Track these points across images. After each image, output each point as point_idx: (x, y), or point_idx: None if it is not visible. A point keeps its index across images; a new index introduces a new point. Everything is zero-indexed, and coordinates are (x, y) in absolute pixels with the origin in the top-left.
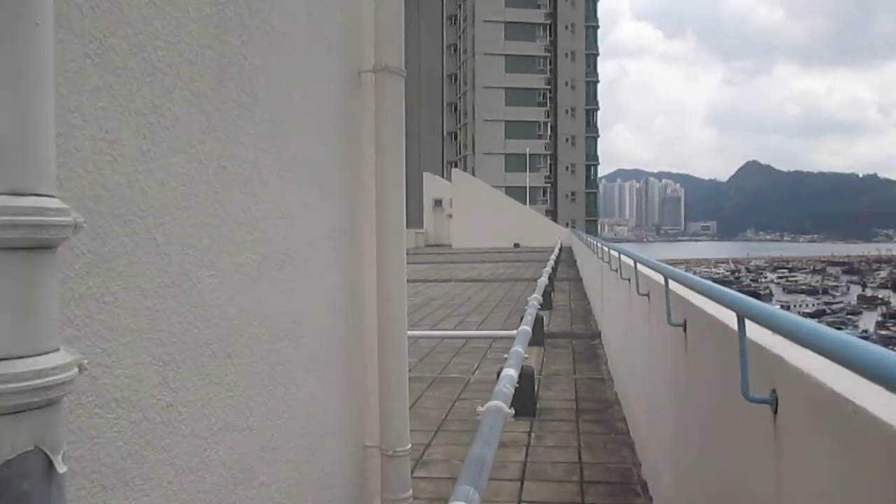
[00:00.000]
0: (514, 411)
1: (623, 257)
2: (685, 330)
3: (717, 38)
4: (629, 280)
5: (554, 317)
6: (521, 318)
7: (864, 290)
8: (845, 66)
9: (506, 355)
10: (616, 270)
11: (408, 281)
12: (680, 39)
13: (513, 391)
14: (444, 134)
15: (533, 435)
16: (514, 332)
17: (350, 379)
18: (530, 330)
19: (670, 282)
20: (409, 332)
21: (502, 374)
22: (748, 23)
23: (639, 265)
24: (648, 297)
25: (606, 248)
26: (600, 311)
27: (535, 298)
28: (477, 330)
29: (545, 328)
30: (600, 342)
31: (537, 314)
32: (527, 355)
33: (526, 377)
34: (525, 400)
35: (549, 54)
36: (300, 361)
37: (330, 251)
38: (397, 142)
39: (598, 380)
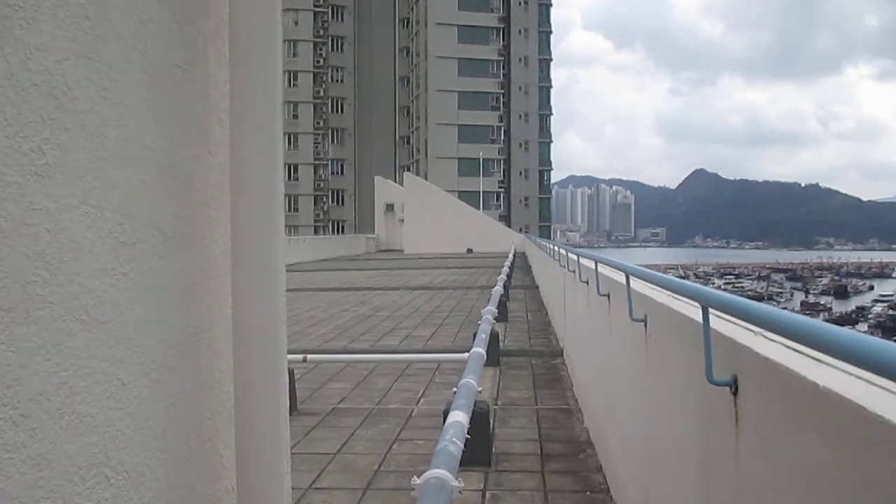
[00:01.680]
0: (461, 483)
1: (603, 269)
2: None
3: (664, 49)
4: (607, 297)
5: (510, 330)
6: (475, 336)
7: (807, 297)
8: (786, 79)
9: (454, 389)
10: (586, 282)
11: (354, 289)
12: (629, 50)
13: (461, 447)
14: (397, 138)
15: (488, 495)
16: (465, 354)
17: (172, 440)
18: (484, 353)
19: (677, 300)
20: (342, 356)
21: (449, 419)
22: (694, 36)
23: (631, 280)
24: (645, 324)
25: (575, 257)
26: (562, 325)
27: (490, 311)
28: (421, 353)
29: (501, 344)
30: (563, 362)
31: (492, 329)
32: (480, 389)
33: (479, 417)
34: (478, 444)
35: (502, 58)
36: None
37: (130, 256)
38: (270, 73)
39: (564, 411)
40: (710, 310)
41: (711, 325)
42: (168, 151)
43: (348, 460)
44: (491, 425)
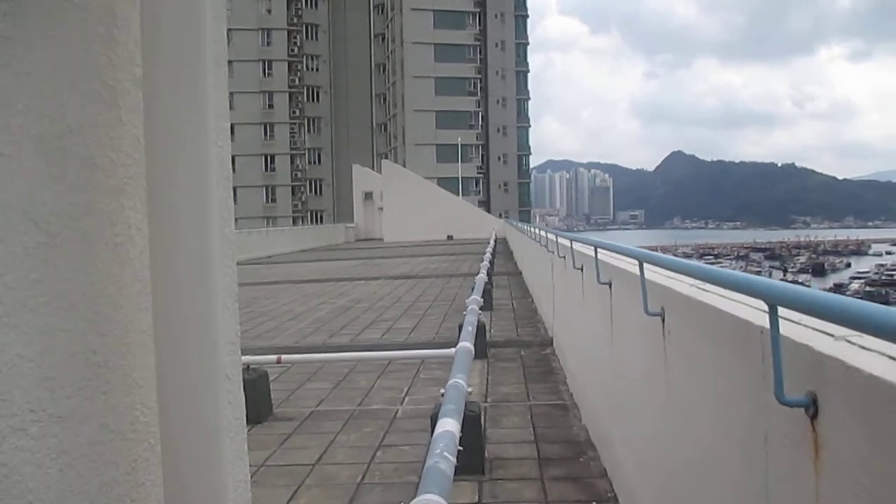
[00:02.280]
0: None
1: (604, 255)
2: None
3: (639, 33)
4: (609, 285)
5: (496, 319)
6: (460, 328)
7: (785, 276)
8: (760, 61)
9: (442, 391)
10: (580, 269)
11: (333, 280)
12: (605, 34)
13: (454, 462)
14: (374, 125)
15: None
16: (451, 350)
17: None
18: (472, 347)
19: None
20: (319, 356)
21: (438, 429)
22: (668, 19)
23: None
24: (663, 319)
25: (567, 242)
26: (550, 313)
27: (475, 301)
28: (403, 349)
29: (488, 335)
30: (553, 352)
31: (478, 320)
32: (470, 388)
33: (471, 421)
34: (470, 450)
35: (479, 43)
36: None
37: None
38: (193, 13)
39: (559, 407)
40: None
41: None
42: (52, 118)
43: (328, 472)
44: (482, 430)
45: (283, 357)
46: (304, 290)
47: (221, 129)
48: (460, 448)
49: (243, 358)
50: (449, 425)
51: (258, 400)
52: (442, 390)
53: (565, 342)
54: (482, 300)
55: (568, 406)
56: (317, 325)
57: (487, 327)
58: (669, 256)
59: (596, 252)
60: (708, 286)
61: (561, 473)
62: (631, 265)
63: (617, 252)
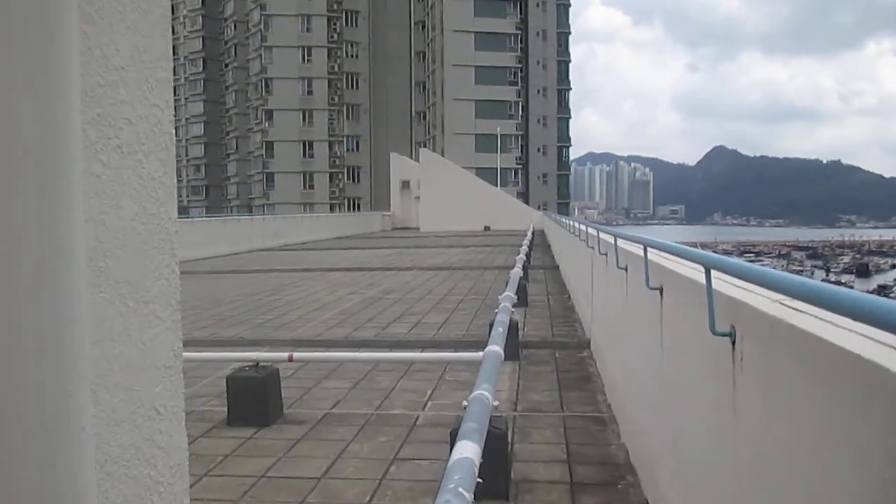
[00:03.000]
0: None
1: (655, 256)
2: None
3: (682, 25)
4: (659, 291)
5: (530, 317)
6: (491, 327)
7: (827, 276)
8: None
9: (464, 403)
10: (624, 269)
11: (365, 269)
12: (647, 25)
13: (470, 499)
14: (413, 113)
15: None
16: (479, 354)
17: None
18: (502, 351)
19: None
20: (334, 355)
21: (454, 454)
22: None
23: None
24: (733, 339)
25: (611, 239)
26: (588, 313)
27: (508, 297)
28: (426, 351)
29: (521, 333)
30: (590, 355)
31: (511, 319)
32: (496, 402)
33: (496, 440)
34: (495, 472)
35: (520, 32)
36: None
37: None
38: None
39: (596, 420)
40: None
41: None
42: None
43: (334, 489)
44: (510, 440)
45: (296, 355)
46: (335, 278)
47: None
48: (480, 479)
49: (253, 354)
50: (468, 450)
51: (267, 400)
52: (465, 402)
53: (604, 347)
54: (516, 297)
55: (605, 420)
56: (343, 317)
57: (521, 325)
58: (747, 263)
59: (646, 252)
60: (800, 304)
61: (596, 503)
62: (691, 270)
63: (673, 253)
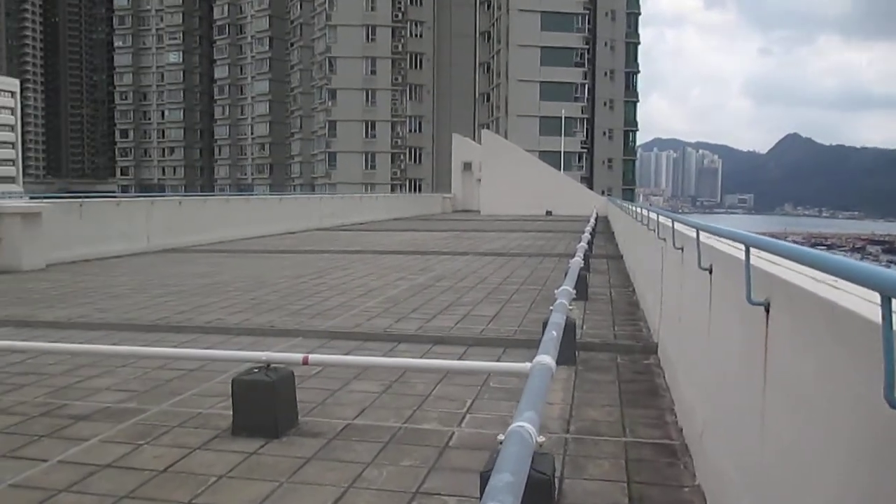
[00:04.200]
0: None
1: (758, 260)
2: None
3: (756, 7)
4: (765, 308)
5: (590, 312)
6: (544, 328)
7: None
8: (887, 38)
9: (501, 436)
10: (707, 270)
11: (419, 253)
12: (719, 9)
13: None
14: (476, 95)
15: None
16: (526, 365)
17: None
18: (553, 364)
19: None
20: (354, 360)
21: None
22: None
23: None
24: None
25: (692, 232)
26: (656, 312)
27: (565, 292)
28: (473, 347)
29: (578, 332)
30: (657, 363)
31: (567, 318)
32: (542, 438)
33: (538, 489)
34: None
35: (587, 12)
36: None
37: None
38: None
39: (665, 450)
40: None
41: None
42: None
43: None
44: (559, 473)
45: (312, 357)
46: (385, 262)
47: None
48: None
49: (264, 355)
50: None
51: (277, 408)
52: (501, 436)
53: (675, 357)
54: (574, 290)
55: (676, 450)
56: (387, 306)
57: (579, 323)
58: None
59: (748, 254)
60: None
61: None
62: (813, 282)
63: (791, 258)
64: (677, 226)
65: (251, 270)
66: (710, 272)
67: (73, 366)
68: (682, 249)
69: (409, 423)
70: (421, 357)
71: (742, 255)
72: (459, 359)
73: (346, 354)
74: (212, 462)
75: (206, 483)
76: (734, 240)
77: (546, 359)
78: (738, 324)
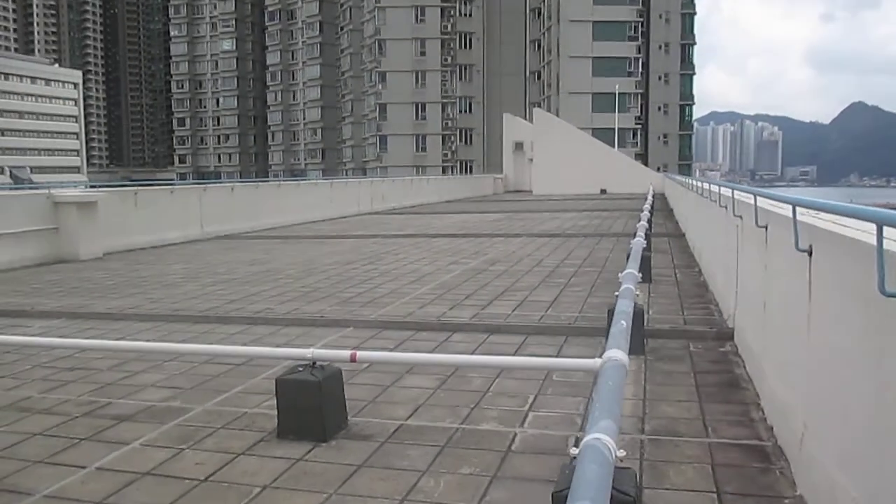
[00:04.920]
0: None
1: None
2: None
3: None
4: None
5: (655, 296)
6: (610, 316)
7: None
8: None
9: (573, 449)
10: (807, 252)
11: (472, 235)
12: None
13: None
14: (527, 73)
15: None
16: (595, 361)
17: None
18: (626, 360)
19: None
20: (406, 357)
21: None
22: None
23: None
24: None
25: (785, 210)
26: (729, 295)
27: (631, 277)
28: (532, 336)
29: (645, 318)
30: (735, 350)
31: (635, 306)
32: (622, 452)
33: None
34: None
35: None
36: None
37: None
38: None
39: (755, 452)
40: None
41: None
42: None
43: None
44: (637, 483)
45: (360, 354)
46: (438, 245)
47: None
48: None
49: (309, 352)
50: None
51: (325, 409)
52: (573, 449)
53: (760, 347)
54: (639, 274)
55: (768, 453)
56: (439, 292)
57: (645, 307)
58: None
59: (881, 234)
60: None
61: None
62: None
63: None
64: (762, 201)
65: (302, 256)
66: (810, 254)
67: (120, 360)
68: (765, 228)
69: (467, 424)
70: (477, 348)
71: (857, 235)
72: (518, 350)
73: (396, 348)
74: (255, 470)
75: (248, 495)
76: (855, 217)
77: (618, 354)
78: (856, 316)
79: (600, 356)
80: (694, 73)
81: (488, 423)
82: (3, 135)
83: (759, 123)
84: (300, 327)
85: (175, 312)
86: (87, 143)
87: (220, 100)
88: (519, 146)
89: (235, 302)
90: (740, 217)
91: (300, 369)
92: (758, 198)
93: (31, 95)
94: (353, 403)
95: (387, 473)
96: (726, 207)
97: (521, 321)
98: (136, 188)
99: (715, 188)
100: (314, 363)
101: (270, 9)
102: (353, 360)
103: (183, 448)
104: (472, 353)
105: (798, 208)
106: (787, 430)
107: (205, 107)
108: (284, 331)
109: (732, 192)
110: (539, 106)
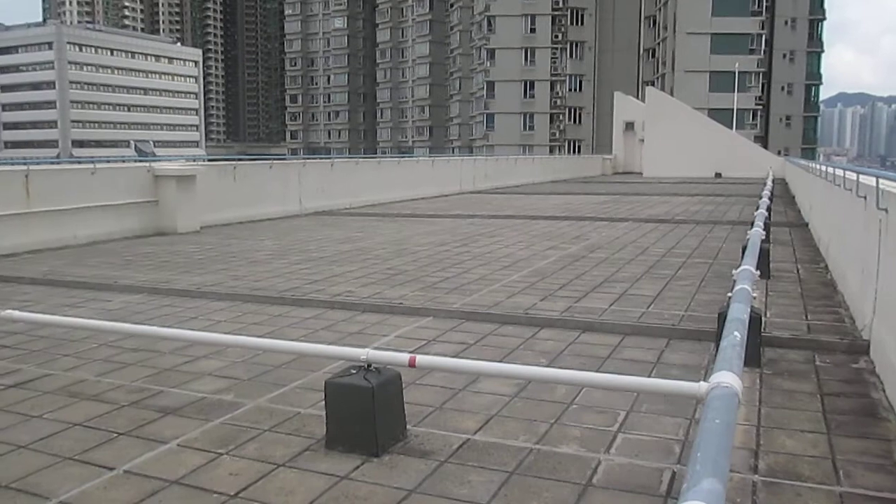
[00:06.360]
0: None
1: None
2: None
3: None
4: None
5: (774, 295)
6: (719, 324)
7: None
8: None
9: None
10: None
11: (574, 218)
12: None
13: None
14: (641, 51)
15: None
16: (700, 385)
17: None
18: (739, 388)
19: None
20: (470, 365)
21: None
22: None
23: None
24: None
25: None
26: (866, 299)
27: (747, 275)
28: (629, 337)
29: (763, 323)
30: (872, 368)
31: (752, 310)
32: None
33: None
34: None
35: None
36: None
37: None
38: None
39: None
40: None
41: None
42: None
43: None
44: None
45: (419, 359)
46: (537, 228)
47: None
48: None
49: (364, 352)
50: None
51: (378, 419)
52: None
53: None
54: (757, 270)
55: None
56: (532, 280)
57: (762, 309)
58: None
59: None
60: None
61: None
62: None
63: None
64: None
65: (395, 235)
66: None
67: (185, 343)
68: None
69: (543, 444)
70: (566, 348)
71: None
72: (612, 352)
73: (476, 343)
74: (293, 487)
75: None
76: None
77: (728, 378)
78: None
79: (706, 377)
80: (822, 51)
81: (568, 444)
82: (129, 110)
83: (893, 106)
84: (378, 314)
85: (253, 292)
86: (206, 118)
87: (332, 77)
88: (630, 126)
89: (317, 283)
90: (885, 210)
91: (353, 371)
92: None
93: (155, 73)
94: (417, 409)
95: (443, 503)
96: (865, 197)
97: (618, 318)
98: (234, 163)
99: (851, 175)
100: (369, 365)
101: None
102: (411, 364)
103: (221, 453)
104: (560, 354)
105: None
106: None
107: (316, 84)
108: (360, 317)
109: (877, 181)
110: (652, 84)
